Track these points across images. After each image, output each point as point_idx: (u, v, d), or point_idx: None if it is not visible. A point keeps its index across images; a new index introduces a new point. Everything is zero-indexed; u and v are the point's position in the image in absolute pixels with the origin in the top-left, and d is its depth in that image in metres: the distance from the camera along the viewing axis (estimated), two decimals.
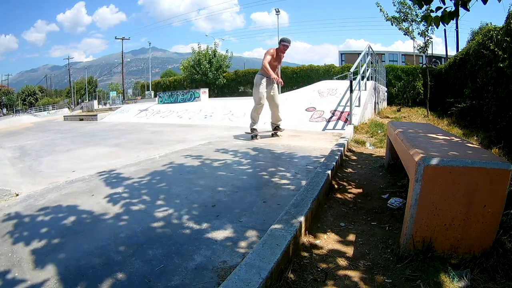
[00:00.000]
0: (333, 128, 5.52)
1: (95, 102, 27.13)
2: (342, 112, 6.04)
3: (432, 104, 8.65)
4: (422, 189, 1.23)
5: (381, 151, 3.63)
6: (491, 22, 8.59)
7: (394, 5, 7.81)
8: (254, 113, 4.53)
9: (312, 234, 1.55)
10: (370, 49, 7.87)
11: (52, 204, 2.09)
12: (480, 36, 6.42)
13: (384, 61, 24.89)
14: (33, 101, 46.46)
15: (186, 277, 1.21)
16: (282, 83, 4.44)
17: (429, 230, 1.25)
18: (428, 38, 7.81)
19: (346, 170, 2.80)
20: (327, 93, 7.06)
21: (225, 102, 9.82)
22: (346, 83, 6.76)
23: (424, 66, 13.75)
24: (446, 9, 1.55)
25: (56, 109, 30.74)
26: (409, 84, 11.25)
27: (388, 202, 1.93)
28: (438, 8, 1.57)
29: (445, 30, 20.68)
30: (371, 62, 7.97)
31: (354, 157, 3.37)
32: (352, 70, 5.82)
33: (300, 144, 4.03)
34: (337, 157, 2.68)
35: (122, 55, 33.64)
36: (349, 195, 2.15)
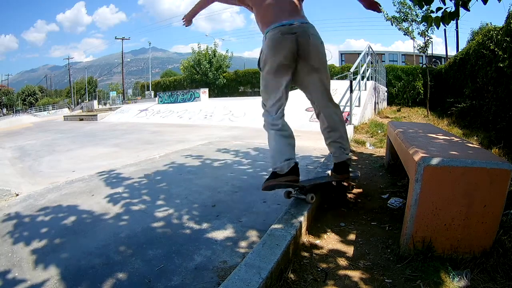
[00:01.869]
0: None
1: (95, 102, 27.15)
2: (342, 112, 6.04)
3: (432, 104, 8.65)
4: (422, 189, 1.23)
5: (381, 151, 3.63)
6: (491, 22, 8.58)
7: (394, 5, 7.83)
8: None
9: (312, 234, 1.55)
10: (370, 49, 7.88)
11: (52, 204, 2.09)
12: (480, 36, 6.43)
13: (384, 61, 24.89)
14: (33, 101, 46.48)
15: (186, 277, 1.21)
16: None
17: (429, 230, 1.25)
18: (428, 38, 7.82)
19: None
20: None
21: (225, 102, 9.84)
22: (346, 83, 6.76)
23: (424, 66, 13.76)
24: (447, 9, 1.55)
25: (56, 109, 30.75)
26: (409, 84, 11.25)
27: (388, 202, 1.92)
28: (438, 9, 1.57)
29: (445, 30, 20.71)
30: (371, 62, 7.97)
31: (354, 157, 3.37)
32: (352, 70, 5.82)
33: (300, 144, 4.02)
34: None
35: (122, 55, 33.65)
36: (349, 195, 2.14)
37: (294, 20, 1.61)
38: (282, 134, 1.64)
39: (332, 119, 1.80)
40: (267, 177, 1.60)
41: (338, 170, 1.85)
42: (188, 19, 2.08)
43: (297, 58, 1.61)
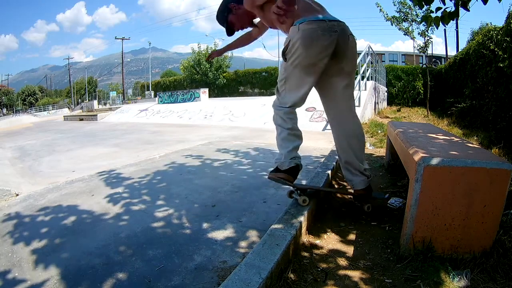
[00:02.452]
0: None
1: (95, 102, 27.20)
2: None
3: (432, 104, 8.65)
4: (422, 189, 1.23)
5: (381, 151, 3.63)
6: (491, 22, 8.59)
7: (394, 5, 7.84)
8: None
9: (312, 234, 1.55)
10: (370, 49, 7.88)
11: (52, 204, 2.09)
12: (480, 36, 6.43)
13: (384, 61, 24.87)
14: (33, 101, 46.51)
15: (186, 277, 1.21)
16: None
17: (429, 230, 1.25)
18: (428, 38, 7.82)
19: None
20: None
21: (225, 102, 9.84)
22: None
23: (424, 66, 13.76)
24: (446, 9, 1.55)
25: (56, 109, 30.79)
26: (409, 84, 11.25)
27: (388, 202, 1.92)
28: (438, 9, 1.57)
29: (445, 30, 20.73)
30: (371, 62, 7.98)
31: None
32: None
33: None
34: (337, 157, 2.68)
35: (122, 55, 33.67)
36: (349, 195, 2.14)
37: (331, 17, 1.47)
38: (292, 133, 1.57)
39: (350, 134, 1.64)
40: (267, 177, 1.60)
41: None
42: (219, 54, 2.00)
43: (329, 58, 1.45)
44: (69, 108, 31.60)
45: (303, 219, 1.46)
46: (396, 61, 30.73)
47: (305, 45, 1.40)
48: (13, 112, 40.32)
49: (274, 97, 1.66)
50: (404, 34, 8.02)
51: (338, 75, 1.54)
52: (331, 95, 1.62)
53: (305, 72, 1.47)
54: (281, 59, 1.56)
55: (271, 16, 1.50)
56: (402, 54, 32.84)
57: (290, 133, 1.57)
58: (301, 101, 1.55)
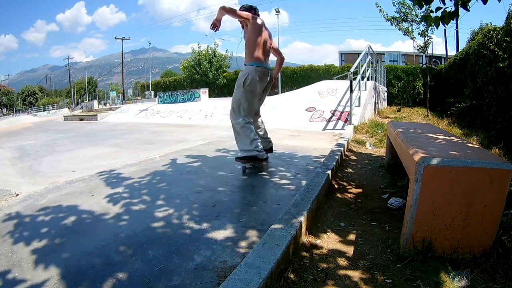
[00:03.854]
0: (333, 128, 5.52)
1: (95, 102, 27.18)
2: (342, 112, 6.04)
3: (432, 104, 8.65)
4: (422, 189, 1.23)
5: (381, 151, 3.64)
6: (491, 22, 8.59)
7: (394, 5, 7.83)
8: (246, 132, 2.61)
9: (312, 234, 1.55)
10: (370, 49, 7.88)
11: (52, 204, 2.09)
12: (480, 36, 6.43)
13: (384, 61, 24.90)
14: (33, 101, 46.47)
15: (186, 277, 1.21)
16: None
17: (429, 230, 1.25)
18: (428, 38, 7.81)
19: (346, 170, 2.80)
20: (327, 93, 7.07)
21: (225, 102, 9.82)
22: (346, 83, 6.77)
23: (424, 66, 13.76)
24: (446, 9, 1.56)
25: (56, 109, 30.77)
26: (409, 84, 11.25)
27: (388, 202, 1.93)
28: (438, 9, 1.57)
29: (445, 30, 20.71)
30: (371, 62, 7.97)
31: (354, 157, 3.37)
32: (352, 70, 5.82)
33: (300, 144, 4.03)
34: (337, 157, 2.68)
35: (122, 55, 33.67)
36: (349, 195, 2.15)
37: (268, 66, 2.72)
38: (255, 132, 2.68)
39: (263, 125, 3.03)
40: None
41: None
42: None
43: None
44: (69, 108, 31.58)
45: (303, 219, 1.46)
46: (396, 61, 30.76)
47: (258, 81, 2.58)
48: (13, 112, 40.27)
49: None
50: (404, 34, 8.01)
51: (263, 94, 2.81)
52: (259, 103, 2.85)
53: (253, 96, 2.63)
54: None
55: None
56: (402, 54, 32.87)
57: (255, 132, 2.72)
58: (252, 113, 2.73)
